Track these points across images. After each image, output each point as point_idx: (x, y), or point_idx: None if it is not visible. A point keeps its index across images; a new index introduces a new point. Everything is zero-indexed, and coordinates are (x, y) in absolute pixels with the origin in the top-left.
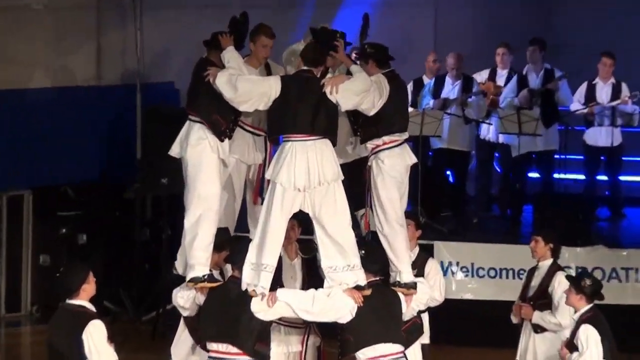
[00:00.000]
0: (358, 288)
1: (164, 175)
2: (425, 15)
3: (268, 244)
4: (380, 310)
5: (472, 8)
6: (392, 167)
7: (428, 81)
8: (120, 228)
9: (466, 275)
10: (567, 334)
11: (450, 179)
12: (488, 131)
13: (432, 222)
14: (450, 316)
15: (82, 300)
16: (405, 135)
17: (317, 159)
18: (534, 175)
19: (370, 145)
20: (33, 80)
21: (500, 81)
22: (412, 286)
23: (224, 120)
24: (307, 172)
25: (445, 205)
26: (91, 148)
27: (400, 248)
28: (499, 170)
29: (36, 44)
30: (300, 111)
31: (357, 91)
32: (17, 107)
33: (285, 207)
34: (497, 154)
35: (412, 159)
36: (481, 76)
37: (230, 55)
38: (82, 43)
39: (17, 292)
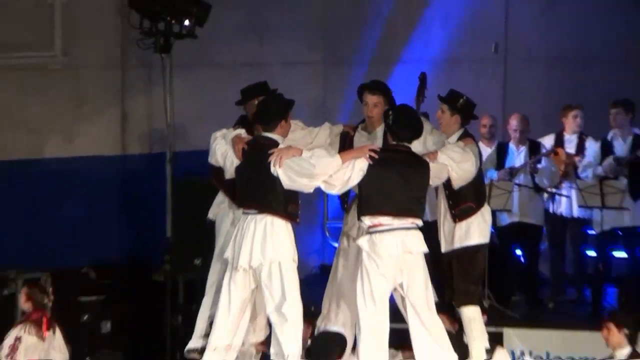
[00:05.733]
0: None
1: (197, 255)
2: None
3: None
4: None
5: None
6: None
7: (485, 149)
8: (149, 314)
9: None
10: None
11: (522, 258)
12: (560, 204)
13: (501, 307)
14: None
15: None
16: None
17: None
18: (619, 254)
19: None
20: (49, 148)
21: (570, 147)
22: None
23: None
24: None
25: (516, 288)
26: (115, 224)
27: None
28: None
29: (53, 107)
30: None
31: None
32: (31, 179)
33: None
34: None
35: None
36: (546, 142)
37: None
38: (105, 107)
39: None
